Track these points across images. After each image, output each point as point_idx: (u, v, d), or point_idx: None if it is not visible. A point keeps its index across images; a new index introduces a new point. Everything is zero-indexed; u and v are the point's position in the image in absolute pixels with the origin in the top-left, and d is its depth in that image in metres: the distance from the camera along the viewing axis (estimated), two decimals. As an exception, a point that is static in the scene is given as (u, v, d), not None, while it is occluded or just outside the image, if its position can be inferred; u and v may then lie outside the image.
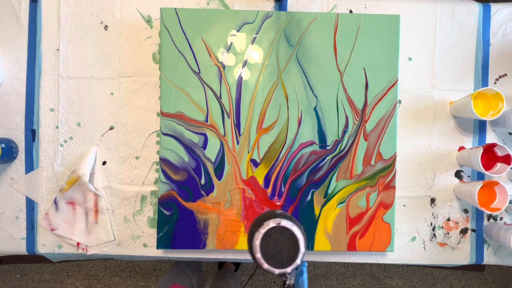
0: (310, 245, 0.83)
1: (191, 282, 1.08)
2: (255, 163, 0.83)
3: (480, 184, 0.78)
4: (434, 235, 0.88)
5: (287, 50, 0.83)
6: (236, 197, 0.83)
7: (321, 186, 0.83)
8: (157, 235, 0.83)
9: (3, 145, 0.81)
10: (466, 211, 0.88)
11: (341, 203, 0.84)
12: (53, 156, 0.86)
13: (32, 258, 1.64)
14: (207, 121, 0.83)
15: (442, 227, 0.88)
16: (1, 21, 0.86)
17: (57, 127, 0.86)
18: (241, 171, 0.83)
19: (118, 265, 1.69)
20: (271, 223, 0.54)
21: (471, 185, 0.81)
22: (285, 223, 0.54)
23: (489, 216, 0.89)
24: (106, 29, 0.86)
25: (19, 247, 0.87)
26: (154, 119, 0.86)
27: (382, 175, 0.84)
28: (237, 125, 0.83)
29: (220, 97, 0.83)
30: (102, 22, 0.86)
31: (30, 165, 0.86)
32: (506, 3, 0.90)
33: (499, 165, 0.81)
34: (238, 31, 0.83)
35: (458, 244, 0.88)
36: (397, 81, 0.84)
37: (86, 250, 0.86)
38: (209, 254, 0.87)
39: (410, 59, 0.88)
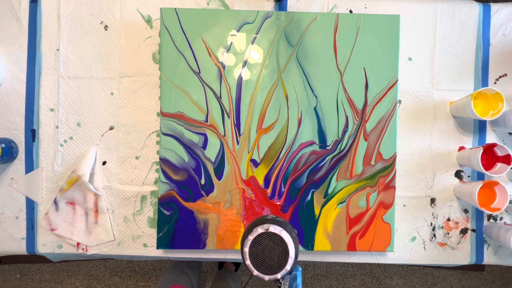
0: (310, 245, 0.83)
1: (191, 282, 1.08)
2: (255, 163, 0.83)
3: (480, 184, 0.78)
4: (434, 235, 0.88)
5: (287, 50, 0.83)
6: (236, 197, 0.83)
7: (321, 186, 0.83)
8: (157, 235, 0.83)
9: (3, 145, 0.81)
10: (466, 211, 0.89)
11: (341, 203, 0.84)
12: (53, 156, 0.86)
13: (32, 258, 1.64)
14: (207, 121, 0.83)
15: (442, 227, 0.88)
16: (1, 21, 0.86)
17: (57, 127, 0.86)
18: (241, 171, 0.83)
19: (118, 265, 1.69)
20: (260, 229, 0.54)
21: (471, 185, 0.81)
22: (274, 228, 0.54)
23: (489, 216, 0.89)
24: (106, 29, 0.86)
25: (19, 247, 0.87)
26: (154, 119, 0.86)
27: (382, 175, 0.84)
28: (237, 125, 0.83)
29: (220, 97, 0.83)
30: (102, 22, 0.86)
31: (30, 165, 0.86)
32: (506, 3, 0.90)
33: (499, 165, 0.81)
34: (238, 31, 0.83)
35: (458, 244, 0.88)
36: (397, 81, 0.84)
37: (86, 250, 0.86)
38: (209, 254, 0.87)
39: (410, 59, 0.88)
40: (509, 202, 0.80)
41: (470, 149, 0.85)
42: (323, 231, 0.83)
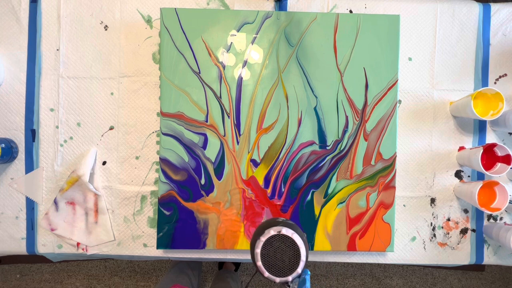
0: (310, 245, 0.83)
1: (191, 282, 1.08)
2: (255, 163, 0.83)
3: (480, 184, 0.78)
4: (434, 235, 0.88)
5: (287, 50, 0.83)
6: (236, 197, 0.83)
7: (321, 186, 0.83)
8: (157, 235, 0.83)
9: (3, 145, 0.81)
10: (466, 211, 0.88)
11: (341, 203, 0.84)
12: (53, 156, 0.86)
13: (32, 258, 1.64)
14: (207, 121, 0.83)
15: (442, 227, 0.88)
16: (1, 21, 0.86)
17: (57, 127, 0.86)
18: (241, 171, 0.83)
19: (118, 265, 1.69)
20: (272, 231, 0.54)
21: (471, 185, 0.81)
22: (286, 231, 0.54)
23: (489, 216, 0.89)
24: (106, 29, 0.86)
25: (19, 247, 0.87)
26: (154, 119, 0.86)
27: (382, 175, 0.84)
28: (237, 125, 0.83)
29: (220, 97, 0.83)
30: (102, 22, 0.86)
31: (30, 165, 0.86)
32: (506, 3, 0.90)
33: (499, 165, 0.81)
34: (238, 31, 0.83)
35: (458, 244, 0.88)
36: (397, 81, 0.84)
37: (86, 250, 0.86)
38: (209, 254, 0.87)
39: (410, 59, 0.88)
40: (509, 202, 0.80)
41: (470, 149, 0.85)
42: (323, 231, 0.83)
